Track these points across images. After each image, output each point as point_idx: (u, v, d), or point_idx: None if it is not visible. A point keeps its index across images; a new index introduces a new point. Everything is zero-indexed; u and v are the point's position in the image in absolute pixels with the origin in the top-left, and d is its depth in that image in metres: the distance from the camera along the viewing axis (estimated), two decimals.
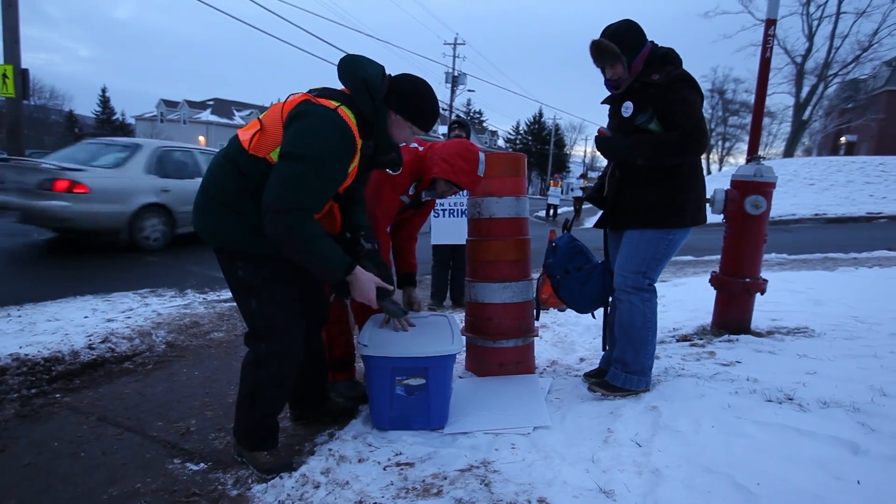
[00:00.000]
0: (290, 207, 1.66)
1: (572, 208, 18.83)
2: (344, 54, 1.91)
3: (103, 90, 50.32)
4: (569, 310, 4.59)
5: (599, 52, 2.27)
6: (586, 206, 3.85)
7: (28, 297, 4.18)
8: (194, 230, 1.91)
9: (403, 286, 2.64)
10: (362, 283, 1.84)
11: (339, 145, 1.72)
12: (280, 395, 2.01)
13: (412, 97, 1.88)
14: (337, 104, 1.74)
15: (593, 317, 2.84)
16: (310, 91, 1.84)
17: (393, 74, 1.92)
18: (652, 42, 2.30)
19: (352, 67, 1.83)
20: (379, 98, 1.83)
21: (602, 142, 2.37)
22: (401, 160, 2.03)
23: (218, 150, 1.92)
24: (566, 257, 2.58)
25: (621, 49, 2.23)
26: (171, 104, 47.35)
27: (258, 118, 1.84)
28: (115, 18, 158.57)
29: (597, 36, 2.28)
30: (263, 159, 1.75)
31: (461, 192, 2.79)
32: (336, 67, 1.86)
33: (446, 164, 2.31)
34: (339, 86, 1.90)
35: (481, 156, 2.36)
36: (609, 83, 2.37)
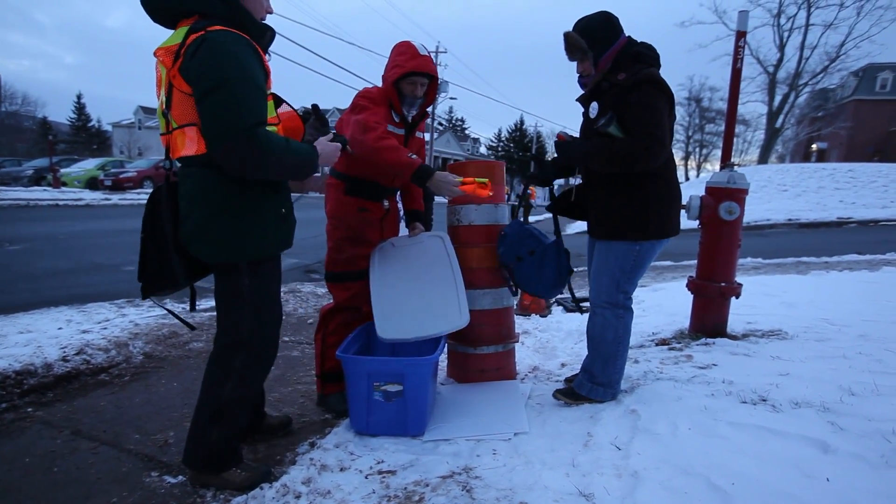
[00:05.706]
0: (250, 126, 1.60)
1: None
2: None
3: (78, 96, 49.54)
4: (551, 316, 4.59)
5: (568, 45, 2.19)
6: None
7: None
8: (195, 256, 1.79)
9: (411, 223, 2.75)
10: (327, 151, 1.92)
11: (241, 51, 1.65)
12: (250, 405, 1.99)
13: None
14: (209, 27, 1.65)
15: (580, 308, 2.72)
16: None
17: None
18: (628, 38, 2.16)
19: None
20: None
21: (560, 146, 2.29)
22: (273, 35, 1.91)
23: (176, 180, 1.81)
24: (516, 243, 2.50)
25: (589, 44, 2.11)
26: (149, 111, 46.44)
27: (173, 127, 1.74)
28: (105, 26, 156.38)
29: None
30: None
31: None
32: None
33: (395, 67, 2.40)
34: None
35: (415, 42, 2.46)
36: (580, 80, 2.27)
